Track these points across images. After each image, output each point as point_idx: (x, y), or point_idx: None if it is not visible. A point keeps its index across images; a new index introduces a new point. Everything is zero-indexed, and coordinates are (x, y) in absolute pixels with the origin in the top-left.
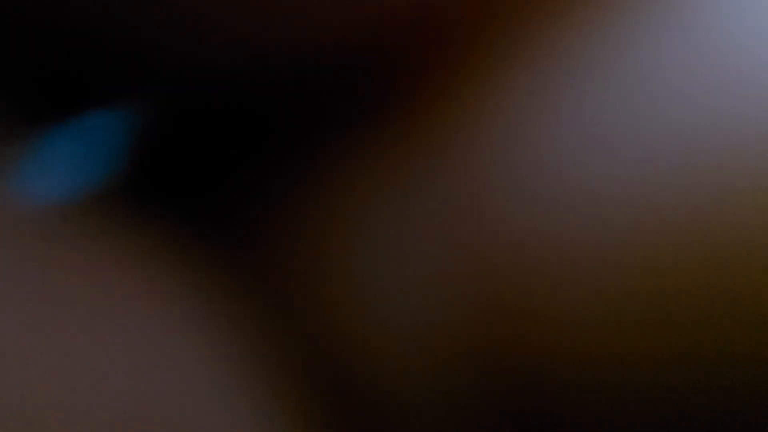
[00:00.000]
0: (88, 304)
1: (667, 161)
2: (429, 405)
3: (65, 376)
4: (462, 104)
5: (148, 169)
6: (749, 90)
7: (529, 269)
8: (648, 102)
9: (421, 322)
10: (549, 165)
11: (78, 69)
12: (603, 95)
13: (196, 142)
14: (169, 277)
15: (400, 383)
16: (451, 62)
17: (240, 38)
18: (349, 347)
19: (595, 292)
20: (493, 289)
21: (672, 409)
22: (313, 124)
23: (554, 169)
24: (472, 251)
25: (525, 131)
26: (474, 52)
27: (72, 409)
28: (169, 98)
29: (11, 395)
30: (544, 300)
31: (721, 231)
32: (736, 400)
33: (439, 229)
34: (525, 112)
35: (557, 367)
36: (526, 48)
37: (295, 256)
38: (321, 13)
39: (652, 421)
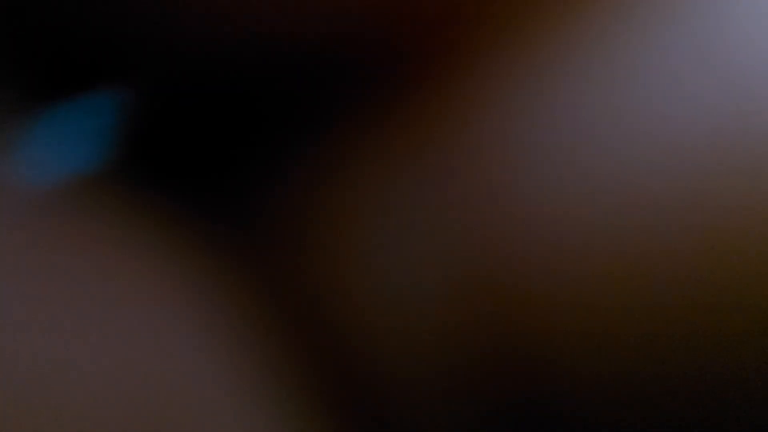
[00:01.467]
0: (88, 288)
1: (670, 161)
2: (431, 392)
3: (63, 361)
4: (465, 99)
5: (150, 154)
6: (754, 87)
7: (530, 262)
8: (651, 101)
9: (423, 313)
10: (550, 162)
11: (78, 51)
12: (606, 93)
13: (199, 128)
14: (171, 263)
15: (402, 372)
16: (456, 58)
17: (245, 25)
18: (351, 336)
19: (595, 282)
20: (494, 282)
21: (670, 400)
22: (316, 114)
23: (556, 165)
24: (473, 244)
25: (527, 128)
26: (477, 48)
27: (69, 401)
28: (173, 83)
29: (10, 385)
30: (545, 289)
31: (726, 229)
32: (737, 393)
33: (440, 221)
34: (527, 108)
35: (557, 354)
36: (528, 45)
37: (296, 244)
38: (323, 3)
39: (651, 411)
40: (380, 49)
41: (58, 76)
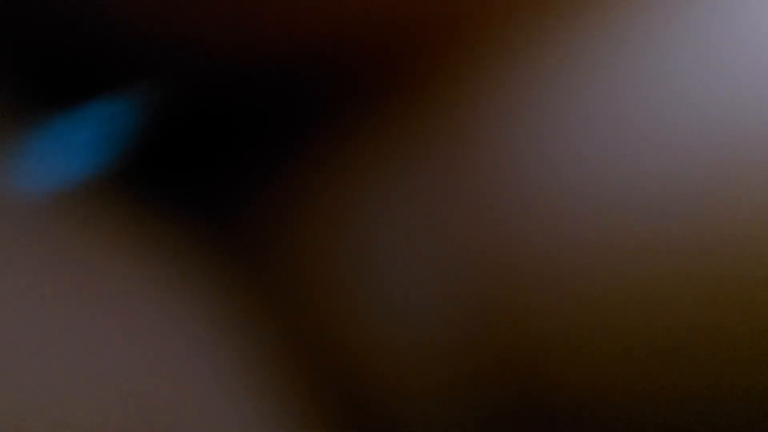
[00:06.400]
0: (90, 295)
1: (672, 162)
2: (429, 404)
3: (64, 369)
4: (464, 99)
5: (150, 160)
6: (760, 90)
7: (530, 268)
8: (653, 102)
9: (420, 319)
10: (551, 164)
11: (78, 59)
12: (607, 92)
13: (199, 134)
14: (171, 270)
15: (399, 380)
16: (453, 56)
17: (238, 34)
18: (349, 340)
19: (598, 292)
20: (493, 286)
21: (676, 409)
22: (315, 118)
23: (557, 168)
24: (474, 246)
25: (526, 129)
26: (475, 46)
27: (71, 406)
28: (170, 90)
29: (10, 391)
30: (546, 298)
31: (729, 233)
32: (737, 402)
33: (439, 226)
34: (526, 109)
35: (561, 368)
36: (527, 43)
37: (297, 250)
38: (316, 10)
39: (656, 421)
40: (381, 48)
41: (61, 84)
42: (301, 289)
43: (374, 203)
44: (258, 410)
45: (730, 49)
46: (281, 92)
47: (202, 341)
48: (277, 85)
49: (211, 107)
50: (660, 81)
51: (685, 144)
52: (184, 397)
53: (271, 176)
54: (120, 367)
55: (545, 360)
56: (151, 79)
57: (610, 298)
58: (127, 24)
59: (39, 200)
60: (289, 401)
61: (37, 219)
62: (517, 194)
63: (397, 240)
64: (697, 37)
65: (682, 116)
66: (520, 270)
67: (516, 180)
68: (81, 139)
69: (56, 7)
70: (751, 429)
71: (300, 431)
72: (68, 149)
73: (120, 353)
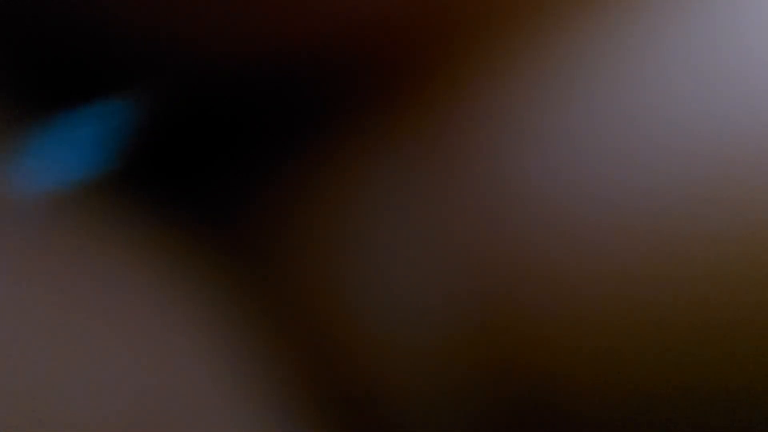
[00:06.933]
0: (91, 295)
1: (673, 165)
2: (429, 404)
3: (66, 370)
4: (464, 99)
5: (150, 160)
6: (761, 90)
7: (530, 268)
8: (653, 104)
9: (420, 319)
10: (551, 164)
11: (78, 59)
12: (608, 92)
13: (198, 135)
14: (171, 269)
15: (400, 380)
16: (453, 56)
17: (238, 34)
18: (347, 343)
19: (598, 292)
20: (493, 286)
21: (676, 409)
22: (315, 118)
23: (557, 168)
24: (471, 248)
25: (527, 130)
26: (475, 45)
27: (71, 407)
28: (170, 90)
29: (9, 392)
30: (546, 298)
31: (730, 233)
32: (738, 402)
33: (439, 225)
34: (526, 109)
35: (561, 367)
36: (528, 43)
37: (296, 253)
38: (315, 10)
39: (657, 421)
40: (381, 48)
41: (61, 84)
42: (301, 289)
43: (374, 203)
44: (258, 410)
45: (731, 49)
46: (281, 92)
47: (201, 341)
48: (277, 85)
49: (211, 107)
50: (660, 81)
51: (686, 144)
52: (184, 397)
53: (271, 176)
54: (119, 366)
55: (545, 360)
56: (151, 78)
57: (610, 298)
58: (127, 24)
59: (39, 200)
60: (289, 401)
61: (37, 219)
62: (517, 194)
63: (396, 240)
64: (698, 37)
65: (682, 116)
66: (520, 270)
67: (516, 180)
68: (81, 139)
69: (56, 7)
70: (752, 429)
71: (300, 431)
72: (68, 149)
73: (119, 353)
